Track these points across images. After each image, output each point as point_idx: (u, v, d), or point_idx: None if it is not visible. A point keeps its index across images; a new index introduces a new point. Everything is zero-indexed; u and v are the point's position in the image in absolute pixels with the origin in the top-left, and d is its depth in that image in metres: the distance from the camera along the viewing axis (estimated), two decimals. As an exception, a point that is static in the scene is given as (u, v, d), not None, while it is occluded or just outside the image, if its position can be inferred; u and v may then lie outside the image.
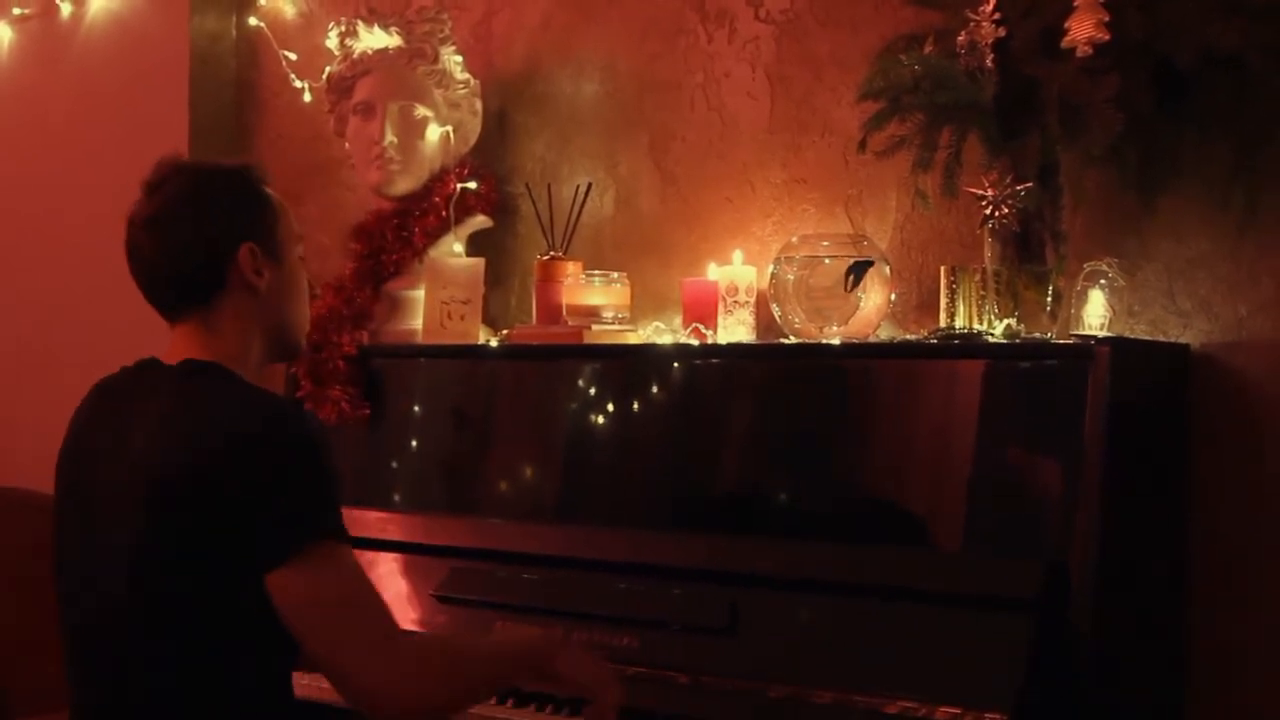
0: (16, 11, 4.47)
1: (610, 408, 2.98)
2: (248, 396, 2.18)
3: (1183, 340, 2.74)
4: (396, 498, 3.26)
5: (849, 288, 2.80)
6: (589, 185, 3.38)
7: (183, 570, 2.08)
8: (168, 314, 2.29)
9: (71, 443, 2.30)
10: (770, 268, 2.95)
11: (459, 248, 3.49)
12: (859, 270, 2.79)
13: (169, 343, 2.29)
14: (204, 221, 2.24)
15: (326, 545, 2.08)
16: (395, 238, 3.47)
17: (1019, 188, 2.60)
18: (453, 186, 3.47)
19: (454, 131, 3.51)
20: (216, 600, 2.09)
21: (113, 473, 2.16)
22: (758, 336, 3.05)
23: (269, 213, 2.29)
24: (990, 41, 2.62)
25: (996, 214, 2.62)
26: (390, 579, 3.00)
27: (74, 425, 2.32)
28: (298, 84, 3.92)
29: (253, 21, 4.11)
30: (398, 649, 2.10)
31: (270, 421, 2.12)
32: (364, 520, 2.98)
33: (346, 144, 3.59)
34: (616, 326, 3.16)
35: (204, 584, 2.08)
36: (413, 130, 3.46)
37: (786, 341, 2.90)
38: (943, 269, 2.73)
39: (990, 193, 2.62)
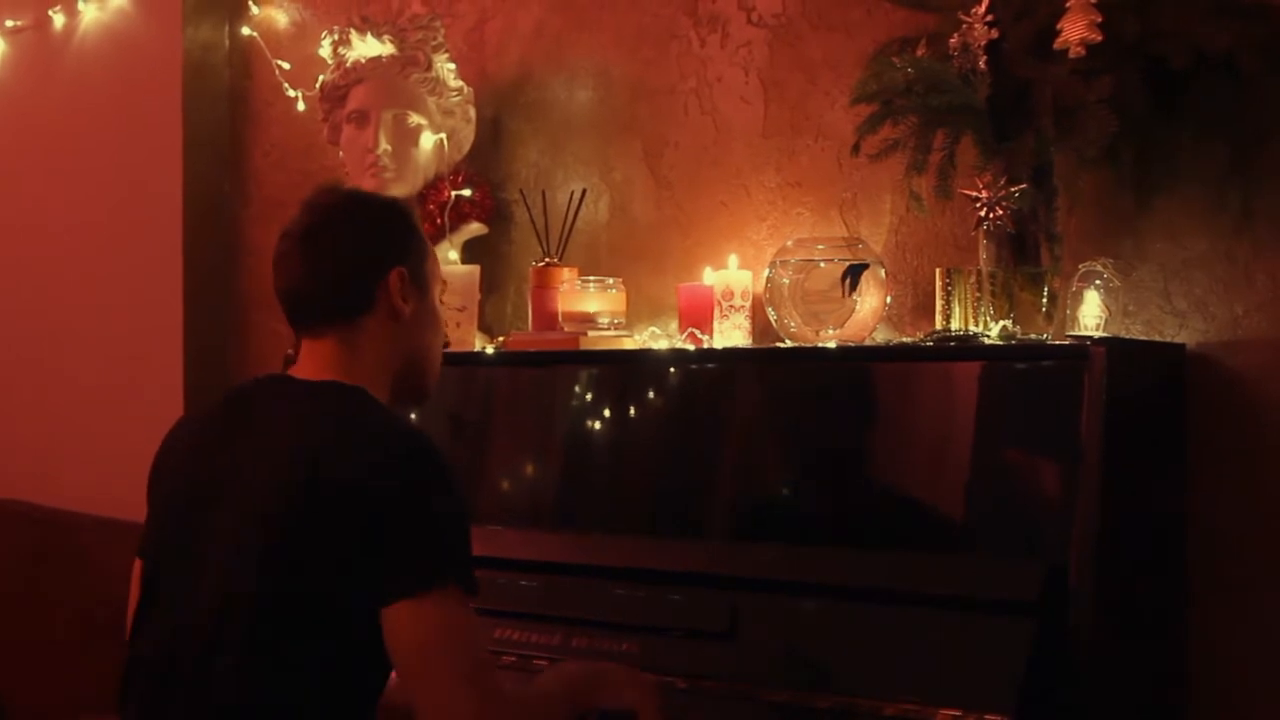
0: (9, 23, 4.47)
1: (607, 413, 2.98)
2: (400, 424, 2.18)
3: (1178, 340, 2.74)
4: (394, 506, 3.25)
5: (846, 292, 2.80)
6: (583, 191, 3.38)
7: (302, 586, 2.06)
8: (306, 329, 2.27)
9: (192, 447, 2.26)
10: (765, 272, 2.95)
11: (454, 255, 3.49)
12: (855, 274, 2.80)
13: (302, 359, 2.27)
14: (362, 239, 2.26)
15: (451, 593, 2.06)
16: (390, 245, 3.46)
17: (1013, 189, 2.61)
18: (447, 194, 3.47)
19: (448, 139, 3.51)
20: (326, 618, 2.07)
21: (245, 482, 2.12)
22: (754, 341, 3.05)
23: (420, 245, 2.32)
24: (983, 44, 2.62)
25: (991, 216, 2.62)
26: (389, 587, 3.00)
27: (190, 429, 2.30)
28: (291, 93, 3.92)
29: (246, 31, 4.11)
30: (500, 705, 2.08)
31: (428, 454, 2.11)
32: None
33: (340, 152, 3.58)
34: (612, 332, 3.15)
35: (319, 602, 2.06)
36: (407, 138, 3.46)
37: (782, 345, 2.90)
38: (938, 271, 2.73)
39: (985, 195, 2.62)
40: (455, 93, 3.51)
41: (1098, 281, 2.62)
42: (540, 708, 2.23)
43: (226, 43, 4.20)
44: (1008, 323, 2.62)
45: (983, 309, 2.64)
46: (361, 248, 2.26)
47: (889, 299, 2.92)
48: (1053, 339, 2.62)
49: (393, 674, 2.14)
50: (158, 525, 2.26)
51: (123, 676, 2.22)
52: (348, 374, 2.22)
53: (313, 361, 2.26)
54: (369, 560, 2.04)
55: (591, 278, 3.22)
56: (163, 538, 2.24)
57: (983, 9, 2.63)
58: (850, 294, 2.81)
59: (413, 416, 3.24)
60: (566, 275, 3.25)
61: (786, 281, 2.89)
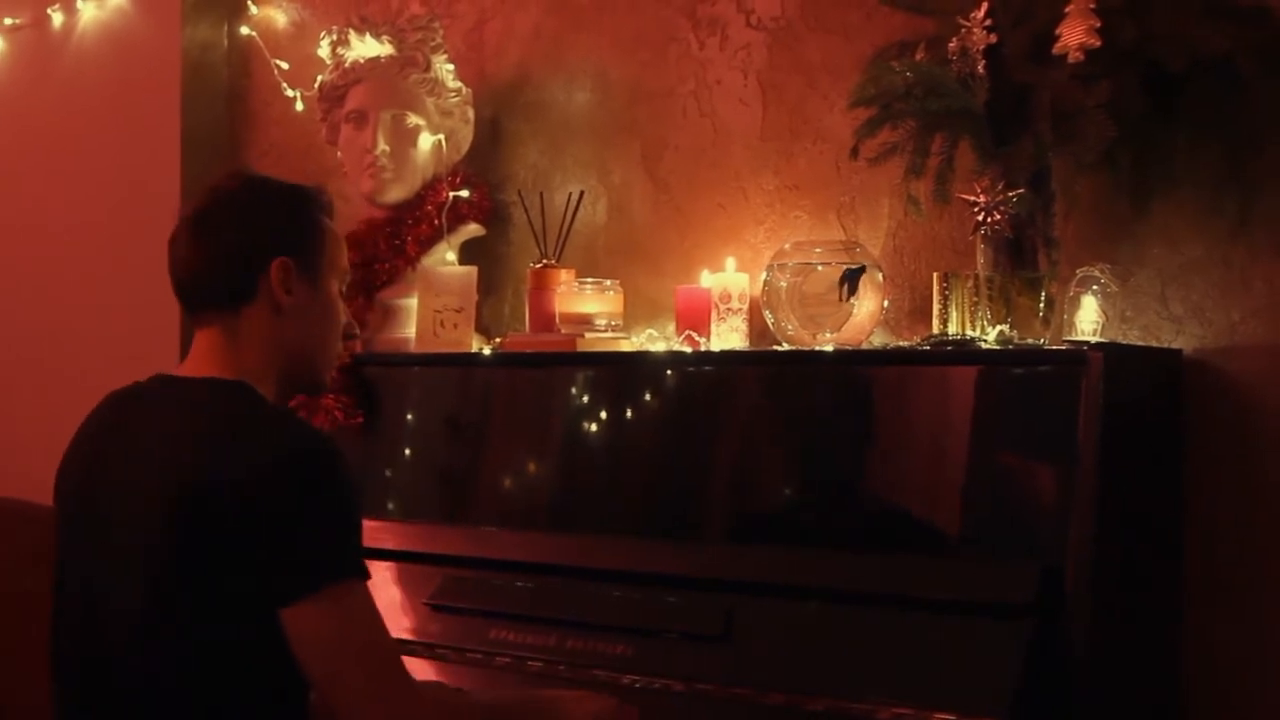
0: (8, 21, 4.47)
1: (604, 416, 2.98)
2: (283, 421, 2.16)
3: (1175, 346, 2.74)
4: (390, 506, 3.26)
5: (844, 296, 2.80)
6: (581, 193, 3.38)
7: (197, 590, 2.04)
8: (194, 316, 2.25)
9: (82, 452, 2.25)
10: (763, 275, 2.95)
11: (452, 256, 3.49)
12: (853, 278, 2.80)
13: (191, 350, 2.25)
14: (247, 226, 2.21)
15: (348, 585, 2.04)
16: (388, 246, 3.46)
17: (1011, 194, 2.61)
18: (445, 195, 3.47)
19: (446, 140, 3.51)
20: (227, 625, 2.04)
21: (131, 484, 2.11)
22: (751, 344, 3.05)
23: (315, 235, 2.26)
24: (982, 48, 2.62)
25: (989, 220, 2.63)
26: (384, 587, 2.99)
27: (84, 435, 2.28)
28: (290, 93, 3.92)
29: (244, 31, 4.11)
30: (405, 699, 2.06)
31: (307, 449, 2.08)
32: (358, 529, 2.97)
33: (339, 153, 3.58)
34: (610, 334, 3.15)
35: (217, 607, 2.04)
36: (405, 139, 3.46)
37: (780, 349, 2.90)
38: (935, 275, 2.73)
39: (983, 199, 2.62)
40: (454, 94, 3.51)
41: (1095, 286, 2.62)
42: (462, 713, 2.22)
43: (225, 42, 4.20)
44: (1005, 327, 2.62)
45: (980, 313, 2.64)
46: (245, 235, 2.21)
47: (886, 303, 2.92)
48: (1050, 344, 2.62)
49: None
50: (59, 537, 2.24)
51: (51, 698, 2.23)
52: (229, 366, 2.18)
53: (197, 353, 2.23)
54: (256, 562, 2.01)
55: (589, 279, 3.22)
56: (61, 551, 2.23)
57: (981, 14, 2.64)
58: (848, 298, 2.81)
59: (409, 418, 3.25)
60: (564, 277, 3.25)
61: (784, 284, 2.89)
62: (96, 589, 2.14)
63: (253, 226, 2.22)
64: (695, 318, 3.06)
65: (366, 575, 2.08)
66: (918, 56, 2.75)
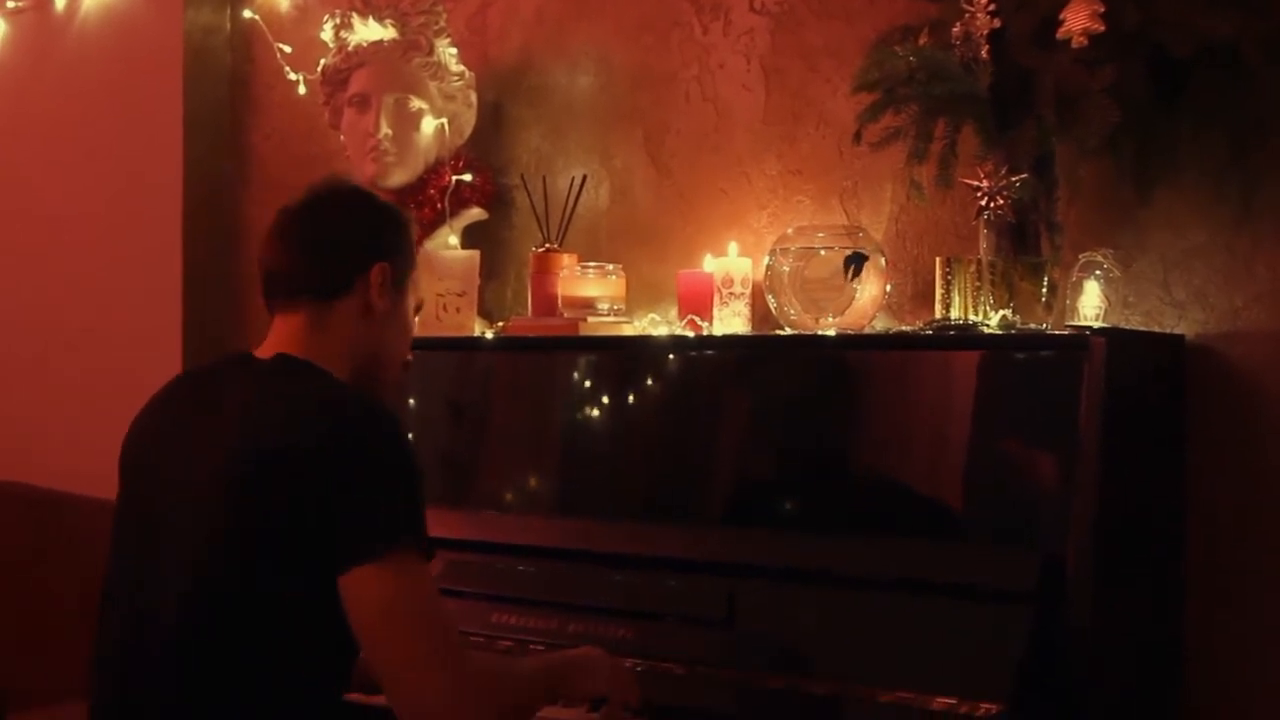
0: (10, 4, 4.46)
1: (606, 400, 2.98)
2: (348, 392, 2.20)
3: (1178, 331, 2.74)
4: (392, 490, 3.25)
5: (849, 278, 2.80)
6: (584, 177, 3.37)
7: (258, 558, 2.07)
8: (281, 303, 2.30)
9: (153, 430, 2.30)
10: (765, 259, 2.95)
11: (454, 240, 3.49)
12: (858, 261, 2.80)
13: (269, 335, 2.30)
14: (355, 226, 2.33)
15: (408, 555, 2.06)
16: (390, 230, 3.46)
17: (1014, 179, 2.60)
18: (448, 179, 3.47)
19: (449, 124, 3.50)
20: (286, 592, 2.08)
21: (199, 452, 2.15)
22: (753, 328, 3.05)
23: (409, 253, 2.38)
24: (985, 32, 2.62)
25: (992, 205, 2.62)
26: (386, 571, 3.00)
27: (154, 406, 2.33)
28: (292, 76, 3.92)
29: (247, 14, 4.11)
30: (461, 671, 2.07)
31: (373, 419, 2.13)
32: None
33: (341, 136, 3.58)
34: (612, 318, 3.15)
35: (277, 574, 2.07)
36: (408, 122, 3.45)
37: (782, 333, 2.90)
38: (938, 260, 2.73)
39: (985, 184, 2.62)
40: (457, 77, 3.51)
41: (1098, 272, 2.62)
42: (510, 682, 2.23)
43: (227, 25, 4.20)
44: (1007, 312, 2.62)
45: (982, 298, 2.64)
46: (353, 233, 2.32)
47: (889, 287, 2.92)
48: (1052, 329, 2.62)
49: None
50: (121, 511, 2.28)
51: (92, 661, 2.24)
52: (307, 352, 2.24)
53: (277, 337, 2.29)
54: (321, 528, 2.04)
55: (591, 264, 3.22)
56: (124, 525, 2.27)
57: (985, -2, 2.63)
58: (852, 280, 2.80)
59: (411, 403, 3.25)
60: (566, 261, 3.25)
61: (786, 269, 2.89)
62: (159, 559, 2.16)
63: (364, 227, 2.33)
64: (697, 302, 3.06)
65: (429, 552, 2.11)
66: (921, 41, 2.75)
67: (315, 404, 2.14)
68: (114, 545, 2.27)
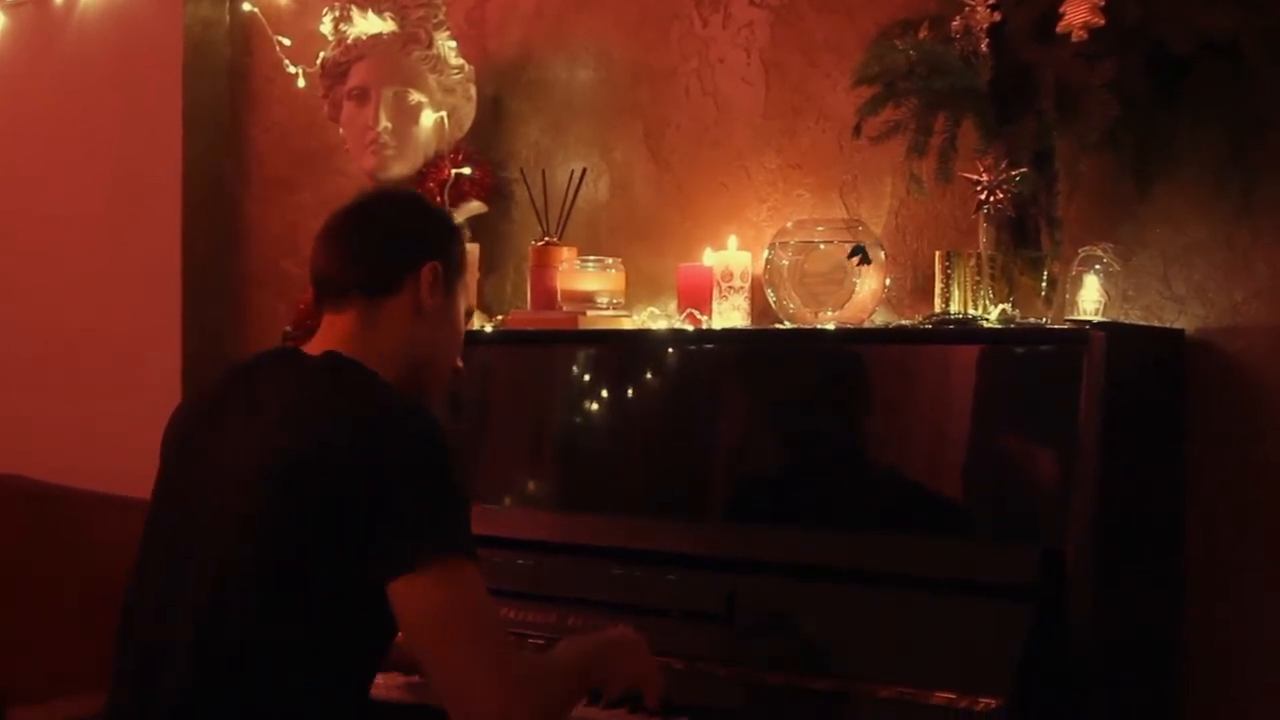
0: (9, -2, 4.47)
1: (605, 394, 2.98)
2: (391, 393, 2.18)
3: (1177, 326, 2.74)
4: (392, 484, 3.25)
5: (857, 264, 2.79)
6: (583, 171, 3.37)
7: (292, 556, 2.06)
8: (331, 301, 2.29)
9: (194, 413, 2.30)
10: (765, 253, 2.95)
11: (454, 234, 3.48)
12: (862, 250, 2.79)
13: (319, 332, 2.30)
14: (407, 225, 2.33)
15: (456, 560, 2.05)
16: (390, 223, 3.46)
17: (1014, 173, 2.60)
18: (447, 172, 3.47)
19: (448, 117, 3.50)
20: (315, 589, 2.07)
21: (238, 451, 2.14)
22: (753, 322, 3.05)
23: (462, 254, 2.38)
24: (985, 26, 2.62)
25: (992, 199, 2.62)
26: (386, 566, 3.00)
27: (196, 400, 2.34)
28: (292, 69, 3.91)
29: (246, 7, 4.10)
30: (513, 674, 2.07)
31: (420, 424, 2.11)
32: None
33: (341, 129, 3.58)
34: (611, 312, 3.15)
35: (307, 572, 2.06)
36: (407, 116, 3.45)
37: (781, 327, 2.90)
38: (938, 254, 2.73)
39: (985, 178, 2.62)
40: (456, 70, 3.51)
41: (1097, 266, 2.62)
42: (557, 680, 2.23)
43: (227, 19, 4.19)
44: (1007, 306, 2.63)
45: (982, 292, 2.64)
46: (405, 231, 2.32)
47: (888, 281, 2.92)
48: (1052, 323, 2.62)
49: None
50: (156, 502, 2.27)
51: (116, 652, 2.23)
52: (357, 351, 2.23)
53: (327, 335, 2.28)
54: (359, 532, 2.04)
55: (591, 257, 3.22)
56: (158, 514, 2.26)
57: (985, -8, 2.63)
58: (859, 267, 2.80)
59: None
60: (566, 255, 3.25)
61: (786, 263, 2.89)
62: (193, 549, 2.15)
63: (415, 225, 2.34)
64: (697, 296, 3.06)
65: (476, 557, 2.10)
66: (921, 35, 2.74)
67: (357, 404, 2.13)
68: (146, 535, 2.26)
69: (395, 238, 2.31)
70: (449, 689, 2.06)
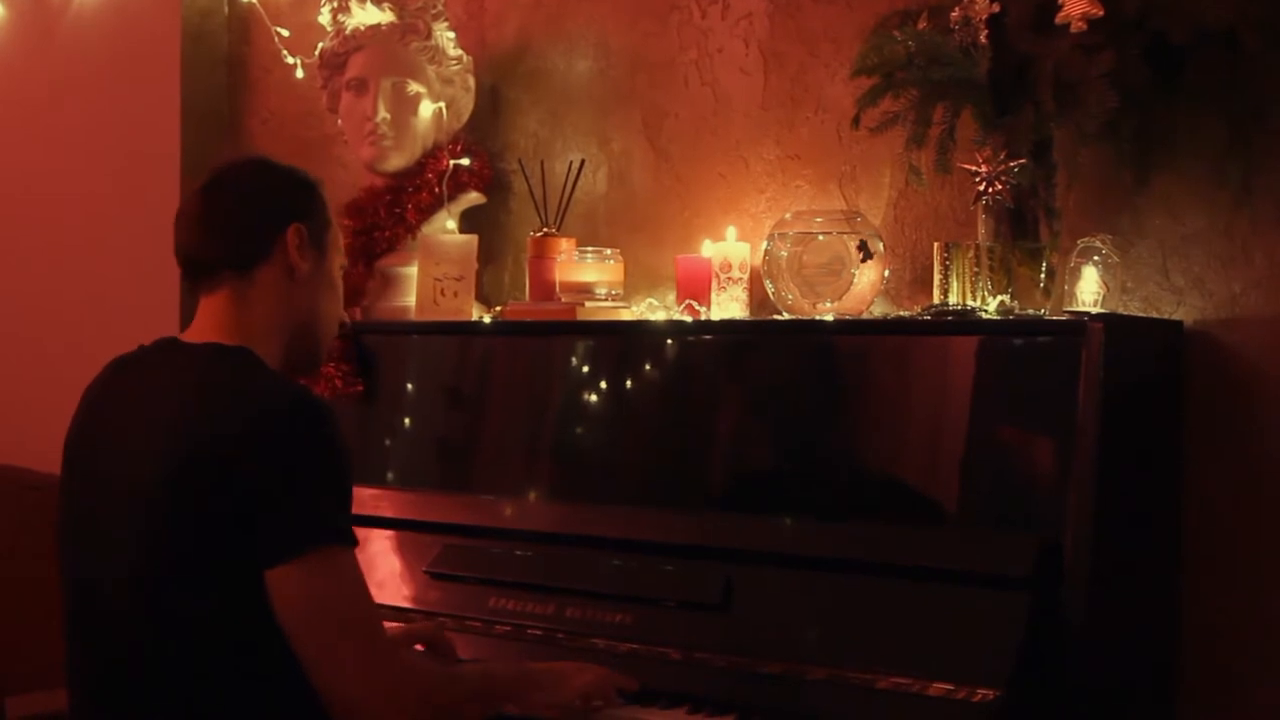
0: (7, -13, 4.46)
1: (603, 385, 2.98)
2: (276, 383, 2.18)
3: (1176, 317, 2.74)
4: (389, 475, 3.26)
5: (861, 259, 2.80)
6: (582, 162, 3.37)
7: (191, 555, 2.06)
8: (203, 282, 2.28)
9: (85, 419, 2.29)
10: (764, 244, 2.95)
11: (452, 224, 3.48)
12: (865, 245, 2.79)
13: (196, 317, 2.28)
14: (263, 192, 2.31)
15: (332, 550, 2.07)
16: (388, 214, 3.46)
17: (1013, 164, 2.60)
18: (446, 163, 3.46)
19: (447, 108, 3.50)
20: (220, 588, 2.07)
21: (131, 446, 2.14)
22: (751, 313, 3.05)
23: (324, 211, 2.36)
24: (984, 17, 2.61)
25: (990, 190, 2.62)
26: (383, 556, 3.00)
27: (87, 401, 2.31)
28: (290, 60, 3.91)
29: (244, -2, 4.10)
30: (386, 666, 2.08)
31: (297, 412, 2.11)
32: (357, 497, 2.91)
33: (339, 120, 3.58)
34: (610, 303, 3.15)
35: (210, 569, 2.06)
36: (406, 106, 3.45)
37: (780, 318, 2.90)
38: (936, 245, 2.72)
39: (984, 169, 2.62)
40: (454, 61, 3.50)
41: (1096, 257, 2.62)
42: (444, 682, 2.24)
43: (225, 9, 4.19)
44: (1005, 297, 2.62)
45: (981, 284, 2.64)
46: (261, 198, 2.30)
47: (887, 272, 2.92)
48: (1050, 314, 2.62)
49: None
50: (61, 505, 2.27)
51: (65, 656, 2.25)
52: (235, 331, 2.23)
53: (203, 319, 2.27)
54: (245, 524, 2.03)
55: (589, 248, 3.22)
56: (64, 523, 2.26)
57: (984, -18, 2.63)
58: (863, 261, 2.80)
59: (409, 387, 3.25)
60: (564, 245, 3.24)
61: (785, 254, 2.89)
62: (97, 552, 2.16)
63: (271, 190, 2.31)
64: (695, 287, 3.06)
65: (354, 543, 2.10)
66: (920, 25, 2.74)
67: (240, 396, 2.12)
68: (58, 546, 2.26)
69: (253, 206, 2.29)
70: (323, 678, 2.06)
